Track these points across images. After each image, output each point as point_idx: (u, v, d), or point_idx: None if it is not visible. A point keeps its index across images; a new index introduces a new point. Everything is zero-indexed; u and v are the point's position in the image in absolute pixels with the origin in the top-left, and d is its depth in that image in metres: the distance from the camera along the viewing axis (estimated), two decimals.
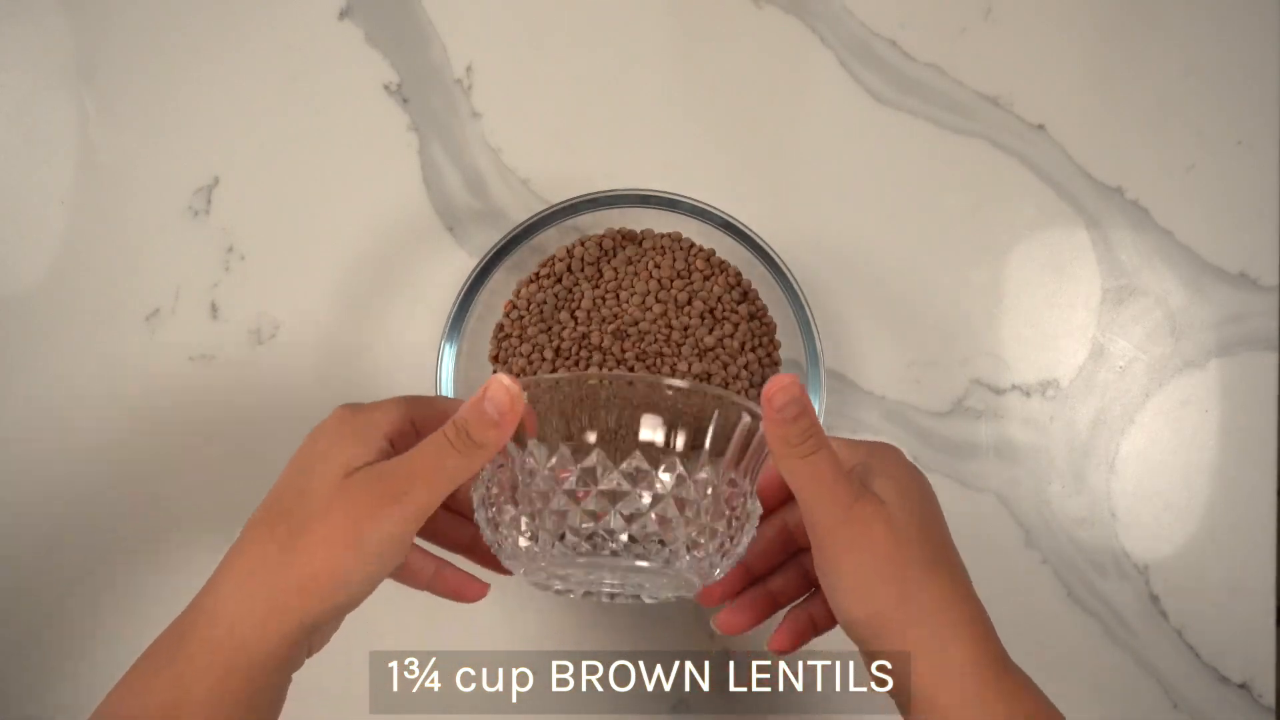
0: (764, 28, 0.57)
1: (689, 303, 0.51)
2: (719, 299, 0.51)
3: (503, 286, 0.53)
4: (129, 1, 0.57)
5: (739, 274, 0.52)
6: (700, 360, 0.51)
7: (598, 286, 0.52)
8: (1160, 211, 0.56)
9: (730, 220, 0.50)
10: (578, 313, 0.52)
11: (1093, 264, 0.56)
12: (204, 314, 0.56)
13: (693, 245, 0.53)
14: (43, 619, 0.55)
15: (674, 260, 0.52)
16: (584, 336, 0.52)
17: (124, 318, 0.56)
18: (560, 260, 0.52)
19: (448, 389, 0.50)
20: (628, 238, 0.52)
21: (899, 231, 0.56)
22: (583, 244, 0.52)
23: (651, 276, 0.52)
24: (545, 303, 0.52)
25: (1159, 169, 0.57)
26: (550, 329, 0.52)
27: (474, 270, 0.50)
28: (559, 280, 0.52)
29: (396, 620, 0.53)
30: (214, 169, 0.56)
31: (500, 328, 0.53)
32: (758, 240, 0.50)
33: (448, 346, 0.51)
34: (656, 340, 0.51)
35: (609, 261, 0.52)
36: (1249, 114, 0.57)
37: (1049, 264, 0.56)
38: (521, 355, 0.52)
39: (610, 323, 0.52)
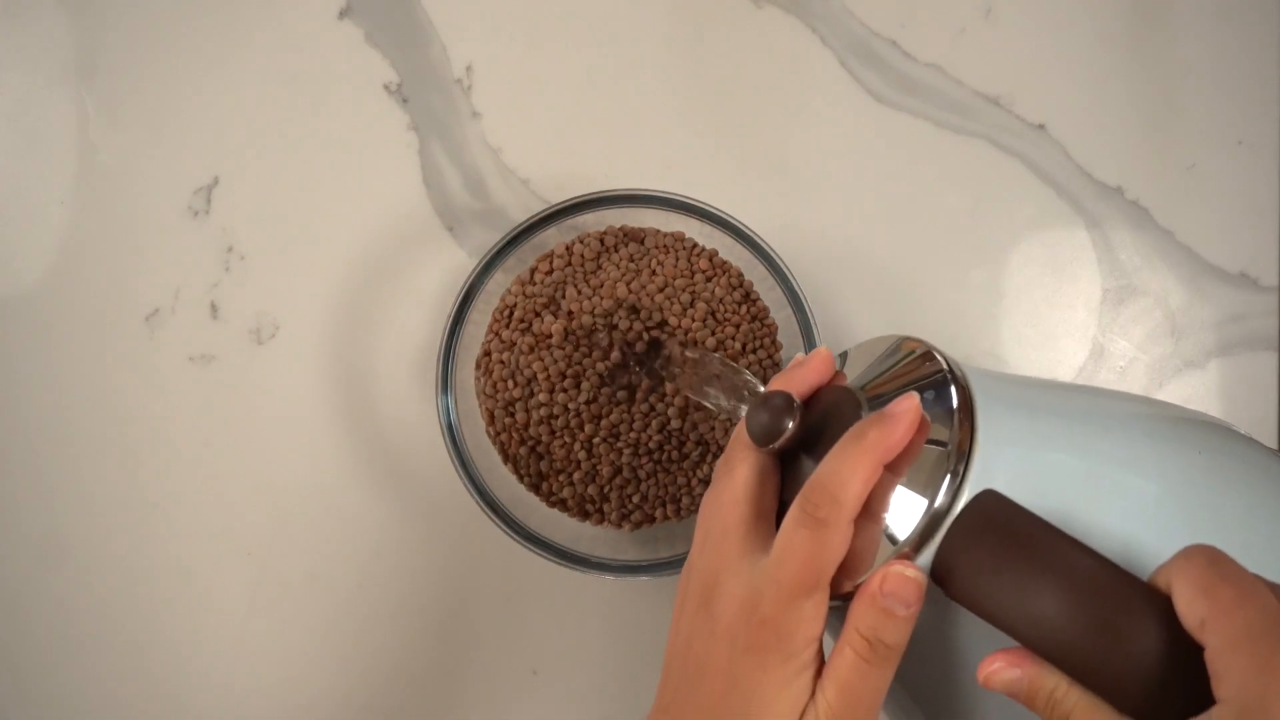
0: (764, 28, 0.57)
1: (691, 304, 0.51)
2: (721, 300, 0.51)
3: (503, 287, 0.53)
4: (129, 1, 0.57)
5: (741, 275, 0.52)
6: None
7: (599, 284, 0.52)
8: (1160, 211, 0.56)
9: (730, 220, 0.50)
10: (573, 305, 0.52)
11: (1093, 264, 0.56)
12: (204, 314, 0.56)
13: (695, 245, 0.52)
14: (42, 619, 0.55)
15: (676, 260, 0.52)
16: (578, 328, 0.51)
17: (124, 318, 0.56)
18: (559, 256, 0.52)
19: (447, 390, 0.50)
20: (630, 235, 0.52)
21: (899, 231, 0.56)
22: (582, 241, 0.52)
23: (655, 274, 0.52)
24: (539, 296, 0.52)
25: (1159, 169, 0.56)
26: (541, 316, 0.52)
27: (474, 270, 0.50)
28: (557, 272, 0.52)
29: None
30: (214, 169, 0.56)
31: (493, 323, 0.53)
32: (757, 240, 0.50)
33: (447, 347, 0.51)
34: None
35: (609, 258, 0.52)
36: (1249, 114, 0.57)
37: (1049, 264, 0.56)
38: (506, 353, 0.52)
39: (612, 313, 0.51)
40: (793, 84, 0.57)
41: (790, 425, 0.37)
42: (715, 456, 0.50)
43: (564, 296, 0.51)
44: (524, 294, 0.52)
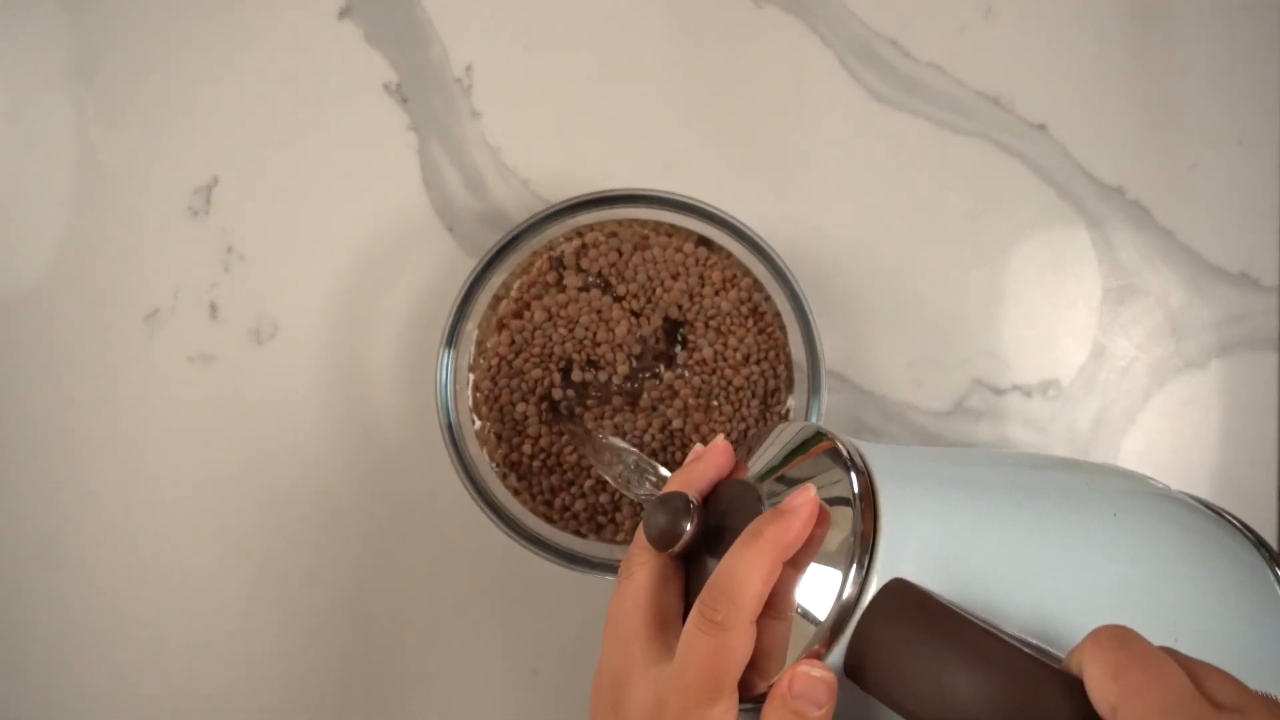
0: (764, 28, 0.57)
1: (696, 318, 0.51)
2: (727, 315, 0.51)
3: (503, 287, 0.53)
4: (129, 1, 0.57)
5: (753, 287, 0.52)
6: (696, 372, 0.51)
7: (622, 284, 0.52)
8: (1161, 211, 0.56)
9: (729, 220, 0.50)
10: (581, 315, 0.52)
11: (1093, 264, 0.56)
12: (203, 314, 0.56)
13: (708, 257, 0.52)
14: (42, 619, 0.55)
15: (688, 278, 0.52)
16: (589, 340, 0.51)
17: (123, 318, 0.56)
18: (570, 254, 0.52)
19: (447, 389, 0.50)
20: (640, 245, 0.52)
21: (899, 231, 0.56)
22: (583, 236, 0.52)
23: (667, 291, 0.52)
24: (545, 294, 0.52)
25: (1160, 169, 0.56)
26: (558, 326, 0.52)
27: (474, 270, 0.50)
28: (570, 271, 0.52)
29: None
30: (214, 169, 0.56)
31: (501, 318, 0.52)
32: (757, 240, 0.50)
33: (447, 347, 0.50)
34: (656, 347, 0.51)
35: (628, 261, 0.52)
36: (1249, 114, 0.57)
37: (1049, 264, 0.56)
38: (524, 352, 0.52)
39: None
40: (793, 84, 0.57)
41: (688, 527, 0.37)
42: None
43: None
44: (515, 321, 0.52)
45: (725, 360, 0.51)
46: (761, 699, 0.34)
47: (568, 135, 0.57)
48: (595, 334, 0.51)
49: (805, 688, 0.33)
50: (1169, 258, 0.56)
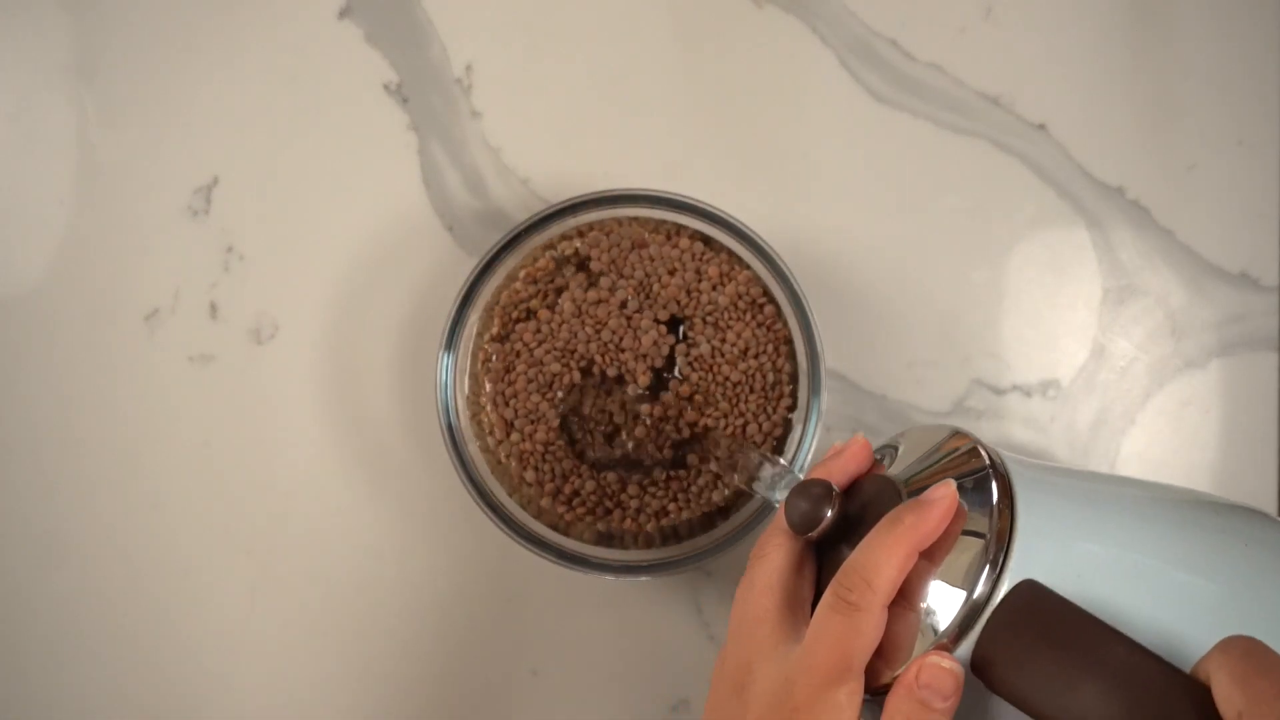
0: (764, 27, 0.57)
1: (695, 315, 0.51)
2: (724, 310, 0.51)
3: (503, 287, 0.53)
4: (129, 1, 0.57)
5: (751, 281, 0.52)
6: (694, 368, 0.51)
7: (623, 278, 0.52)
8: (1161, 211, 0.56)
9: (729, 220, 0.50)
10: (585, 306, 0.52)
11: (1093, 264, 0.56)
12: (203, 314, 0.56)
13: (704, 253, 0.52)
14: (42, 618, 0.55)
15: (684, 274, 0.52)
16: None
17: (123, 318, 0.56)
18: (572, 252, 0.52)
19: (447, 389, 0.50)
20: (637, 243, 0.52)
21: (899, 231, 0.56)
22: (584, 236, 0.52)
23: (663, 289, 0.52)
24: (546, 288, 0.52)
25: (1159, 169, 0.56)
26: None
27: (474, 270, 0.50)
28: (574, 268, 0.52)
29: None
30: (214, 169, 0.56)
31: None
32: (757, 239, 0.50)
33: (447, 347, 0.51)
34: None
35: (626, 259, 0.52)
36: (1249, 114, 0.57)
37: (1049, 264, 0.56)
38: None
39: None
40: (793, 83, 0.57)
41: (829, 513, 0.37)
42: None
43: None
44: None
45: (723, 355, 0.51)
46: (884, 690, 0.34)
47: (568, 135, 0.57)
48: (622, 340, 0.51)
49: (933, 678, 0.33)
50: (1169, 258, 0.56)
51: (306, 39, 0.57)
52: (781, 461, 0.44)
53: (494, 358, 0.51)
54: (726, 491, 0.50)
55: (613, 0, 0.57)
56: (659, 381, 0.51)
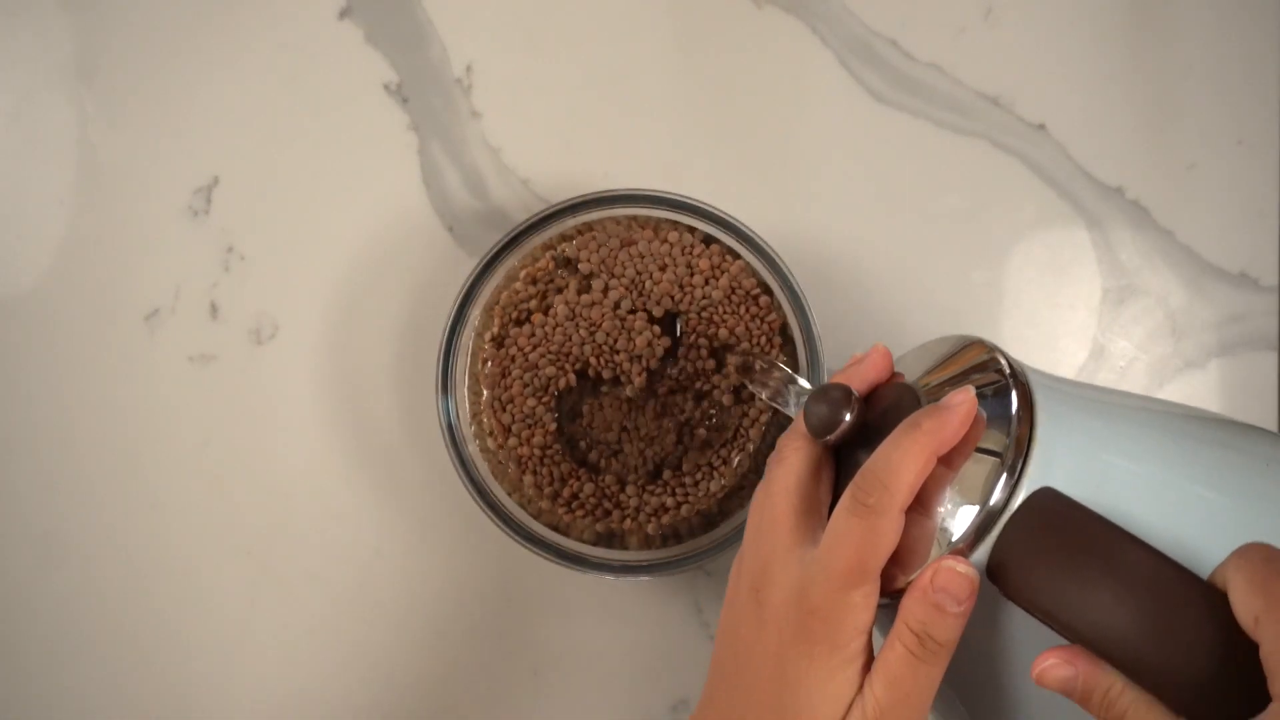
0: (764, 28, 0.57)
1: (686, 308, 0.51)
2: (717, 304, 0.51)
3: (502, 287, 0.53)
4: (129, 1, 0.57)
5: (743, 273, 0.52)
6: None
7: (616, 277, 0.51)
8: (1161, 211, 0.56)
9: (730, 220, 0.50)
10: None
11: (1093, 264, 0.56)
12: (204, 314, 0.56)
13: (693, 246, 0.52)
14: (42, 618, 0.55)
15: (676, 268, 0.52)
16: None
17: (123, 318, 0.56)
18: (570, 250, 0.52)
19: (446, 390, 0.50)
20: (625, 241, 0.52)
21: (899, 231, 0.56)
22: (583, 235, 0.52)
23: (656, 283, 0.51)
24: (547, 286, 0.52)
25: (1159, 169, 0.56)
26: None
27: (474, 270, 0.50)
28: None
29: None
30: (214, 169, 0.56)
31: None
32: (757, 239, 0.50)
33: (447, 347, 0.51)
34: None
35: (615, 258, 0.52)
36: (1249, 114, 0.57)
37: (1049, 264, 0.56)
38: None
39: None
40: (793, 84, 0.57)
41: (848, 417, 0.37)
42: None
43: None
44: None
45: (713, 344, 0.51)
46: (900, 594, 0.34)
47: (568, 135, 0.57)
48: (616, 342, 0.51)
49: (948, 581, 0.33)
50: (1169, 258, 0.56)
51: (306, 39, 0.57)
52: (802, 380, 0.45)
53: (490, 363, 0.51)
54: (724, 481, 0.50)
55: (613, 0, 0.57)
56: (653, 382, 0.51)
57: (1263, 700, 0.28)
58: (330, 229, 0.56)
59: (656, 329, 0.51)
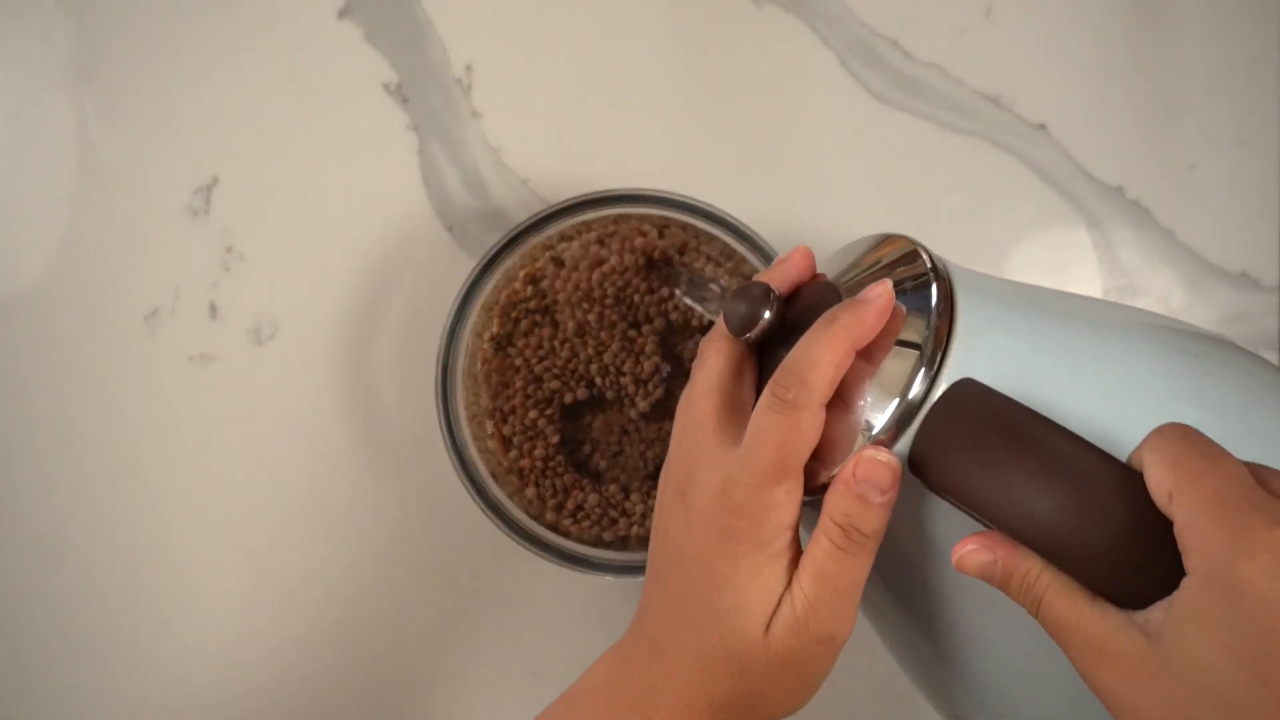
0: (764, 27, 0.57)
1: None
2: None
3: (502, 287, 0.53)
4: (129, 1, 0.57)
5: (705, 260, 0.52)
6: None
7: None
8: (1161, 211, 0.56)
9: (730, 220, 0.50)
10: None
11: (1093, 264, 0.56)
12: (203, 314, 0.56)
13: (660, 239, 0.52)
14: (42, 619, 0.55)
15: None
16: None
17: (123, 318, 0.56)
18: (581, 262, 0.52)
19: (446, 391, 0.50)
20: (655, 262, 0.51)
21: (899, 231, 0.56)
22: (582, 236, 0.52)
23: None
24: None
25: (1160, 169, 0.56)
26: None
27: (474, 270, 0.50)
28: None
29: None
30: (214, 169, 0.56)
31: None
32: (757, 240, 0.50)
33: (447, 347, 0.50)
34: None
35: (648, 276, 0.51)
36: (1250, 114, 0.57)
37: (1049, 264, 0.56)
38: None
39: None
40: (793, 84, 0.57)
41: (767, 314, 0.37)
42: None
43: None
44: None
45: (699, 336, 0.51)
46: (822, 492, 0.34)
47: (568, 135, 0.57)
48: (623, 364, 0.50)
49: (870, 472, 0.33)
50: (1169, 258, 0.56)
51: (306, 39, 0.57)
52: (725, 281, 0.45)
53: (491, 369, 0.51)
54: None
55: (612, 0, 0.57)
56: (657, 406, 0.51)
57: (1179, 576, 0.28)
58: (330, 229, 0.56)
59: (658, 358, 0.50)
